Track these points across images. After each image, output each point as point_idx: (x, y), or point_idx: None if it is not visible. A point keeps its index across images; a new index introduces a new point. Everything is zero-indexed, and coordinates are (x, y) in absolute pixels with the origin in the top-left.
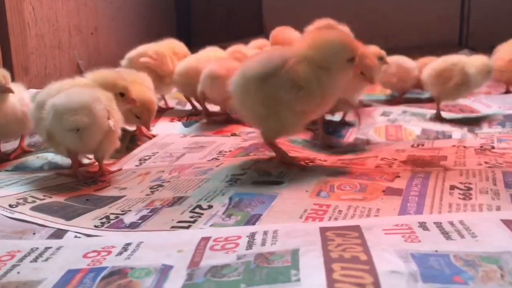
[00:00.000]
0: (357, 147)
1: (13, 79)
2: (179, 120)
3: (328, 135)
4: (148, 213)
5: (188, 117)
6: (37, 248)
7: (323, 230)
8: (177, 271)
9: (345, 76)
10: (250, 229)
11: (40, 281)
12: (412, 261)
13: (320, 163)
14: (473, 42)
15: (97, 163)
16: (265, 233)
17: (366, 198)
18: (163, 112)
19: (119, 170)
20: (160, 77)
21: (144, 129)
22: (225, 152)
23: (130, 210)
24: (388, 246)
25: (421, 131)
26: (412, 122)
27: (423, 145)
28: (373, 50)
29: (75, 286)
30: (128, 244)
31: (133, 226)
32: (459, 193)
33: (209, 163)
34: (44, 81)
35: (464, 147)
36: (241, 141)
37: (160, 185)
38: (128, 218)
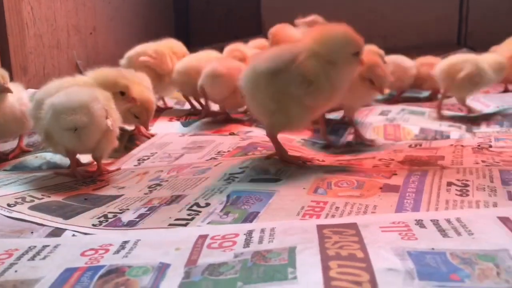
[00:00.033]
0: (358, 146)
1: (11, 79)
2: (178, 120)
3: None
4: (146, 211)
5: (187, 117)
6: (35, 247)
7: (320, 228)
8: (174, 269)
9: (352, 71)
10: (247, 226)
11: (37, 279)
12: (409, 259)
13: (318, 163)
14: (472, 42)
15: (95, 162)
16: (263, 230)
17: (363, 195)
18: (161, 111)
19: (118, 169)
20: (160, 76)
21: (142, 128)
22: (224, 152)
23: (128, 209)
24: (384, 243)
25: (420, 130)
26: (411, 121)
27: (420, 145)
28: (371, 49)
29: (73, 284)
30: (126, 242)
31: (130, 224)
32: (456, 190)
33: (207, 162)
34: (43, 81)
35: (462, 146)
36: (239, 140)
37: (159, 184)
38: (126, 217)
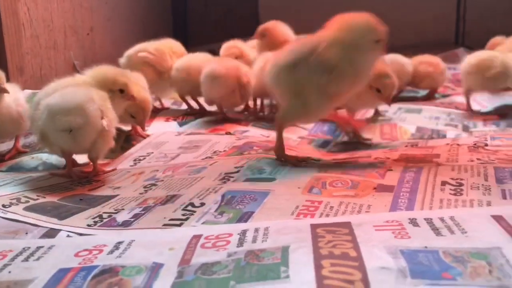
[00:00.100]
0: (354, 145)
1: (8, 80)
2: (174, 120)
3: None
4: (140, 211)
5: (183, 117)
6: (29, 248)
7: (314, 227)
8: (167, 269)
9: (374, 57)
10: (241, 226)
11: (31, 280)
12: (402, 257)
13: (313, 162)
14: (469, 41)
15: (91, 163)
16: (256, 230)
17: (357, 195)
18: (158, 112)
19: (114, 170)
20: (159, 74)
21: (139, 128)
22: (220, 151)
23: (123, 209)
24: (378, 242)
25: (416, 129)
26: (407, 120)
27: (417, 145)
28: None
29: (66, 285)
30: (120, 243)
31: (125, 224)
32: (450, 189)
33: (203, 161)
34: (40, 82)
35: (458, 145)
36: (235, 140)
37: (154, 184)
38: (121, 217)
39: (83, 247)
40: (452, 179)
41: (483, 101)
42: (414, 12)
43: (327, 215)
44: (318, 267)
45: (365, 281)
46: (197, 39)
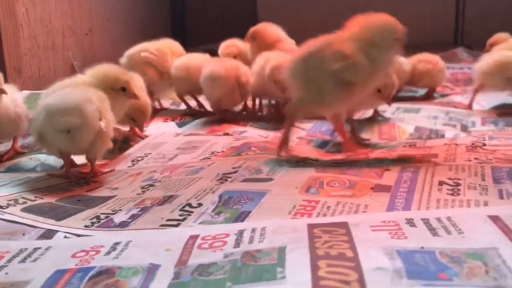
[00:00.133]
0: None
1: (6, 81)
2: (173, 120)
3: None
4: (138, 212)
5: (182, 117)
6: (26, 249)
7: (310, 227)
8: (164, 270)
9: (392, 55)
10: (238, 226)
11: (28, 281)
12: (398, 258)
13: (311, 162)
14: (468, 40)
15: (89, 163)
16: (253, 230)
17: (355, 195)
18: (157, 112)
19: (112, 170)
20: (161, 74)
21: (137, 129)
22: (218, 152)
23: (120, 210)
24: (374, 242)
25: (414, 129)
26: (406, 120)
27: (415, 145)
28: None
29: (63, 286)
30: (117, 244)
31: (122, 225)
32: (447, 189)
33: (200, 162)
34: (38, 83)
35: (456, 144)
36: (233, 141)
37: (152, 185)
38: (118, 218)
39: (80, 248)
40: (449, 179)
41: (482, 101)
42: (413, 11)
43: (324, 215)
44: (314, 268)
45: (361, 281)
46: (196, 39)
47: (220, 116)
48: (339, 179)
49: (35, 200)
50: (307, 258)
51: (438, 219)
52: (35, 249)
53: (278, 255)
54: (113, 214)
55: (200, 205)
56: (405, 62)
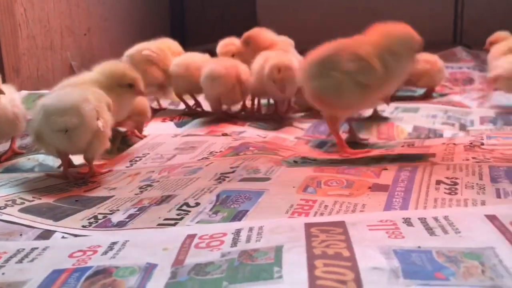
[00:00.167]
0: (351, 145)
1: (4, 81)
2: (171, 120)
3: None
4: (135, 211)
5: (181, 117)
6: (23, 249)
7: (308, 226)
8: (161, 270)
9: (409, 63)
10: (235, 225)
11: (25, 281)
12: (395, 258)
13: (309, 161)
14: (467, 40)
15: (87, 163)
16: (251, 229)
17: (352, 194)
18: (155, 112)
19: (110, 171)
20: (163, 72)
21: (136, 131)
22: (216, 152)
23: (118, 210)
24: (371, 242)
25: (413, 128)
26: (404, 120)
27: (413, 144)
28: None
29: (59, 286)
30: (114, 243)
31: (120, 225)
32: (445, 188)
33: (198, 162)
34: (36, 83)
35: (454, 144)
36: (231, 141)
37: (149, 185)
38: (116, 217)
39: (78, 248)
40: (447, 178)
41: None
42: (412, 11)
43: (322, 214)
44: (311, 267)
45: (358, 281)
46: (195, 39)
47: (219, 116)
48: (337, 179)
49: (33, 201)
50: (304, 258)
51: (435, 219)
52: (33, 249)
53: (275, 254)
54: (111, 214)
55: (197, 204)
56: None
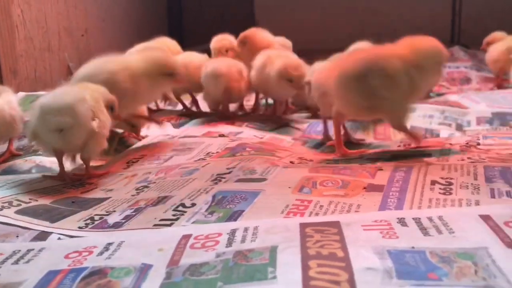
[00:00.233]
0: (347, 146)
1: (1, 82)
2: (169, 121)
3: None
4: (132, 212)
5: (178, 118)
6: (19, 251)
7: (303, 226)
8: (156, 270)
9: (434, 77)
10: (231, 225)
11: (20, 282)
12: (388, 258)
13: (306, 162)
14: (465, 39)
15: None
16: (246, 229)
17: (347, 194)
18: (153, 113)
19: (107, 172)
20: None
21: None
22: (212, 153)
23: (114, 211)
24: (365, 242)
25: (410, 128)
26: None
27: (409, 145)
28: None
29: (55, 287)
30: (110, 244)
31: (116, 226)
32: (439, 188)
33: (195, 163)
34: (34, 84)
35: (450, 144)
36: (228, 142)
37: (146, 186)
38: (112, 218)
39: (73, 248)
40: (442, 178)
41: (476, 97)
42: (410, 10)
43: (317, 214)
44: (305, 268)
45: (351, 282)
46: (193, 39)
47: (217, 116)
48: (332, 179)
49: (29, 202)
50: (298, 258)
51: (430, 219)
52: (28, 251)
53: (269, 254)
54: (107, 215)
55: (193, 205)
56: None
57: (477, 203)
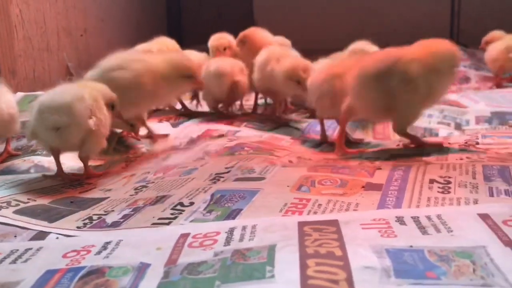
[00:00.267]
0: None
1: None
2: (168, 120)
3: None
4: (130, 212)
5: (177, 117)
6: (17, 250)
7: (301, 225)
8: (154, 269)
9: (449, 80)
10: (229, 224)
11: (18, 282)
12: (386, 257)
13: (305, 161)
14: (464, 39)
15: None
16: (244, 228)
17: (346, 193)
18: (151, 113)
19: (105, 172)
20: None
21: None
22: (211, 152)
23: (113, 210)
24: (363, 241)
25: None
26: None
27: (408, 144)
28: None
29: (53, 286)
30: (108, 243)
31: (114, 225)
32: (438, 187)
33: (193, 162)
34: (33, 84)
35: (449, 143)
36: (227, 141)
37: (145, 186)
38: (110, 218)
39: (71, 248)
40: (440, 177)
41: (475, 97)
42: (409, 10)
43: (315, 213)
44: (303, 267)
45: (349, 281)
46: (192, 38)
47: (216, 116)
48: (331, 178)
49: (28, 202)
50: (297, 257)
51: (428, 217)
52: (26, 250)
53: (268, 253)
54: (106, 214)
55: (192, 203)
56: None
57: (476, 202)
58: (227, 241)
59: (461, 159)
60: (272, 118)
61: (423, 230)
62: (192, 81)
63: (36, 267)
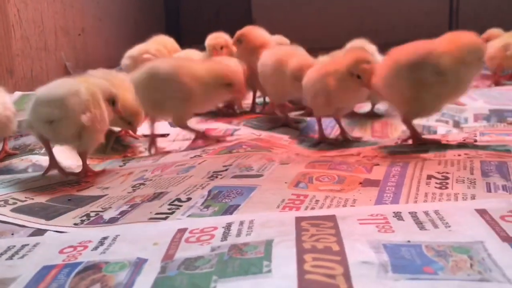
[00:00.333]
0: (344, 143)
1: None
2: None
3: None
4: (127, 208)
5: None
6: (14, 246)
7: (298, 220)
8: (151, 264)
9: (476, 72)
10: (226, 219)
11: (14, 278)
12: (384, 252)
13: (303, 158)
14: None
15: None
16: (241, 223)
17: (343, 189)
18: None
19: (103, 171)
20: None
21: (130, 132)
22: (209, 150)
23: (110, 207)
24: (361, 236)
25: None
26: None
27: (406, 141)
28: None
29: (49, 282)
30: (105, 238)
31: (112, 221)
32: (435, 183)
33: (191, 160)
34: (30, 83)
35: (447, 141)
36: (225, 140)
37: (142, 184)
38: (108, 214)
39: (68, 243)
40: (438, 173)
41: (474, 94)
42: (408, 8)
43: (313, 208)
44: (300, 262)
45: (347, 275)
46: (190, 38)
47: (215, 114)
48: (328, 174)
49: (25, 201)
50: (294, 252)
51: (426, 213)
52: (23, 246)
53: (265, 248)
54: (103, 211)
55: (189, 199)
56: None
57: (473, 197)
58: (224, 236)
59: (459, 155)
60: (271, 117)
61: (420, 225)
62: (231, 90)
63: (32, 263)
